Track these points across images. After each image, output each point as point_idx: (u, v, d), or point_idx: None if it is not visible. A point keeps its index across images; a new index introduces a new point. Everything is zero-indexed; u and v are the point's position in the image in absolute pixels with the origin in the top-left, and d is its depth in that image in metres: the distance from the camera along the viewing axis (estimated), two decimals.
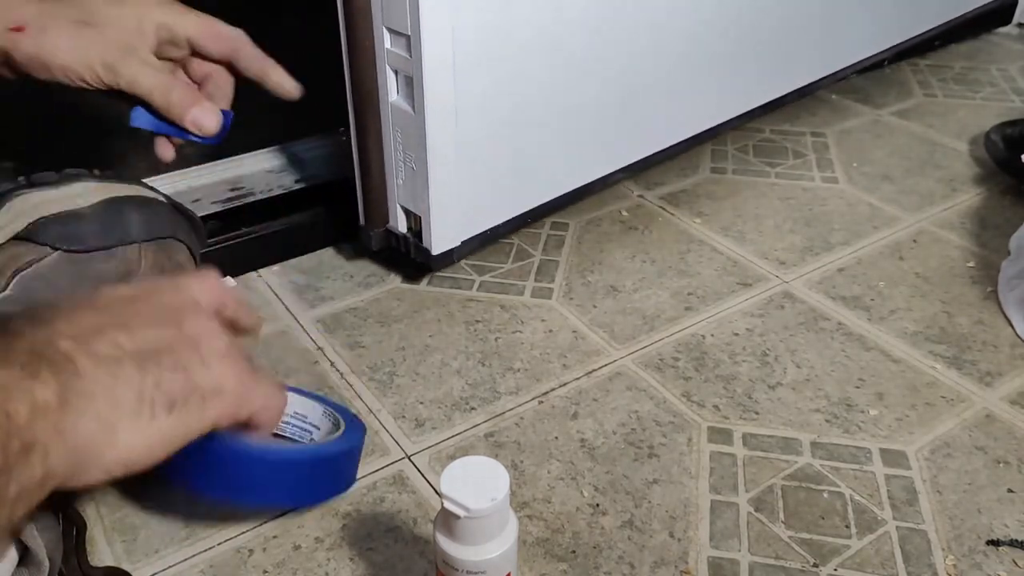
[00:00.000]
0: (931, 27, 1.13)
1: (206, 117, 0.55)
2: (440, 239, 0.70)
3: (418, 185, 0.68)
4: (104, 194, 0.55)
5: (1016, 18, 1.35)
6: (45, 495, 0.34)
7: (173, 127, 0.55)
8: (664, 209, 0.87)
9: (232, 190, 0.83)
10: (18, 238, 0.52)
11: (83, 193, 0.54)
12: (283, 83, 0.59)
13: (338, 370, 0.67)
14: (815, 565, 0.52)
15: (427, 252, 0.71)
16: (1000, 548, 0.53)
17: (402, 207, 0.71)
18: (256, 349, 0.68)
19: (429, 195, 0.67)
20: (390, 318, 0.72)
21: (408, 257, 0.73)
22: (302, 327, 0.71)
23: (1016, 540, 0.51)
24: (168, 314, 0.41)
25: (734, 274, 0.78)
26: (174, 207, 0.60)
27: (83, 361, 0.35)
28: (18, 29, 0.47)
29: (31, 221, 0.52)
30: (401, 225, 0.73)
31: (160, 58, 0.57)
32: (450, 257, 0.72)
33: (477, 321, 0.72)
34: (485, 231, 0.74)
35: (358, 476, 0.58)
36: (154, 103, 0.55)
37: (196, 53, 0.58)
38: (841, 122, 1.03)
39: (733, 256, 0.80)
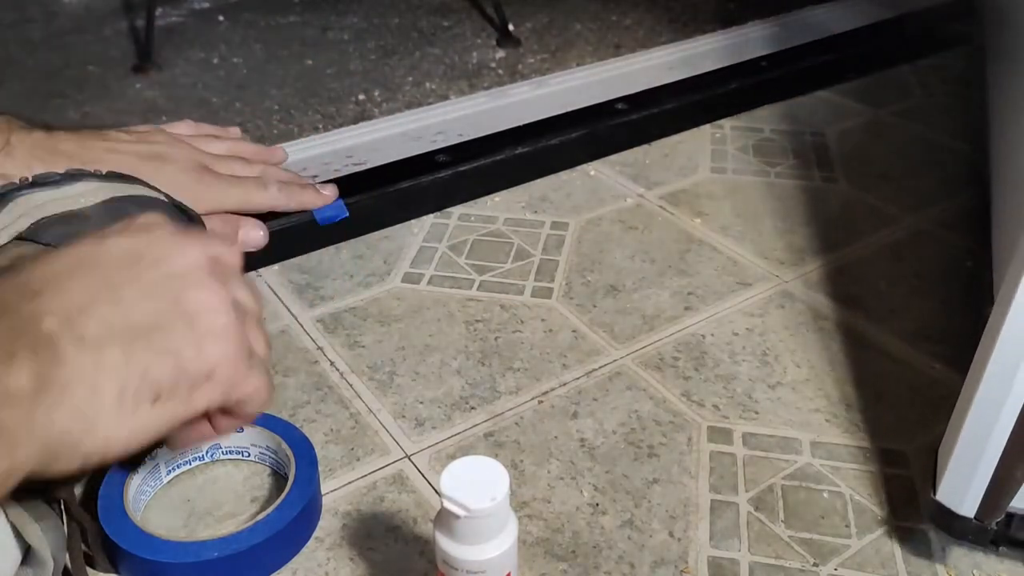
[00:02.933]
0: None
1: (251, 234, 0.65)
2: None
3: None
4: (106, 194, 0.55)
5: None
6: (13, 485, 0.31)
7: None
8: (664, 209, 0.87)
9: None
10: (20, 238, 0.52)
11: (85, 193, 0.54)
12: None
13: (338, 370, 0.67)
14: (815, 565, 0.52)
15: None
16: (1000, 549, 0.53)
17: None
18: None
19: None
20: (390, 318, 0.72)
21: None
22: (302, 327, 0.71)
23: (1017, 540, 0.51)
24: (168, 283, 0.37)
25: (734, 274, 0.78)
26: (175, 207, 0.60)
27: (66, 345, 0.32)
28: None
29: (33, 221, 0.52)
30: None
31: None
32: None
33: (477, 321, 0.72)
34: None
35: (358, 476, 0.58)
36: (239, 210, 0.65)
37: None
38: (841, 122, 1.03)
39: (733, 256, 0.80)
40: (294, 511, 0.51)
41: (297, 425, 0.60)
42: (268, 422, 0.57)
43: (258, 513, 0.53)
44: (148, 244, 0.39)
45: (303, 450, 0.55)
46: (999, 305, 0.44)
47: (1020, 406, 0.45)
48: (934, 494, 0.49)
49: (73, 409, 0.32)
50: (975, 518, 0.49)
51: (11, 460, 0.30)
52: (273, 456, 0.57)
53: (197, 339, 0.37)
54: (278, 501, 0.52)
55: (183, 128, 0.69)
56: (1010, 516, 0.49)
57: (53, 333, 0.32)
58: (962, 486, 0.48)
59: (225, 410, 0.41)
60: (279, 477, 0.57)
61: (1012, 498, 0.48)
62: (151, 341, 0.35)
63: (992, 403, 0.45)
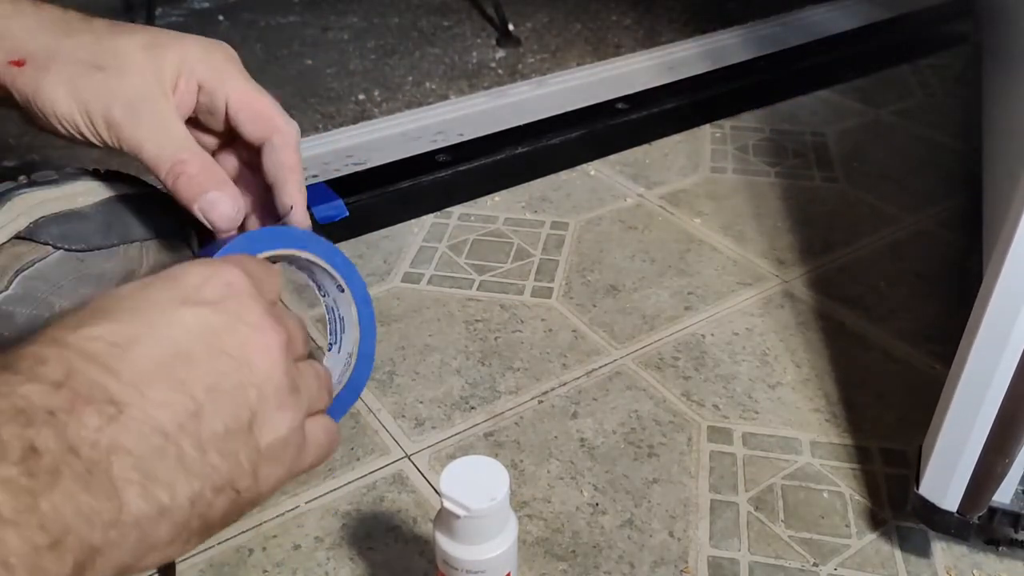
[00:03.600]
0: None
1: (218, 205, 0.44)
2: None
3: None
4: (105, 192, 0.55)
5: None
6: None
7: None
8: (664, 209, 0.87)
9: None
10: (19, 237, 0.52)
11: (84, 192, 0.54)
12: (298, 212, 0.48)
13: None
14: (815, 565, 0.52)
15: None
16: (1000, 549, 0.53)
17: None
18: None
19: None
20: (390, 317, 0.72)
21: None
22: None
23: (1017, 540, 0.51)
24: (246, 387, 0.33)
25: (734, 274, 0.78)
26: (176, 206, 0.60)
27: (132, 495, 0.28)
28: (18, 63, 0.40)
29: (32, 220, 0.52)
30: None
31: (203, 128, 0.46)
32: None
33: (477, 321, 0.72)
34: None
35: (358, 476, 0.58)
36: (159, 178, 0.44)
37: (230, 128, 0.46)
38: (841, 122, 1.03)
39: (733, 256, 0.80)
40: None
41: None
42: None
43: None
44: (228, 317, 0.34)
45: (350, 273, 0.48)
46: (980, 300, 0.45)
47: (999, 402, 0.45)
48: (917, 488, 0.50)
49: (119, 561, 0.29)
50: (957, 512, 0.49)
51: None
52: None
53: (255, 469, 0.33)
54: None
55: None
56: (993, 510, 0.49)
57: (120, 479, 0.28)
58: (944, 480, 0.49)
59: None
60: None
61: (993, 493, 0.48)
62: (214, 474, 0.32)
63: (972, 400, 0.46)
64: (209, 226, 0.45)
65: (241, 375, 0.33)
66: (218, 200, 0.44)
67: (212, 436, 0.32)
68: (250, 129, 0.45)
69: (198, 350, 0.33)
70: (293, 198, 0.47)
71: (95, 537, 0.27)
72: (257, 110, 0.45)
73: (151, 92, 0.43)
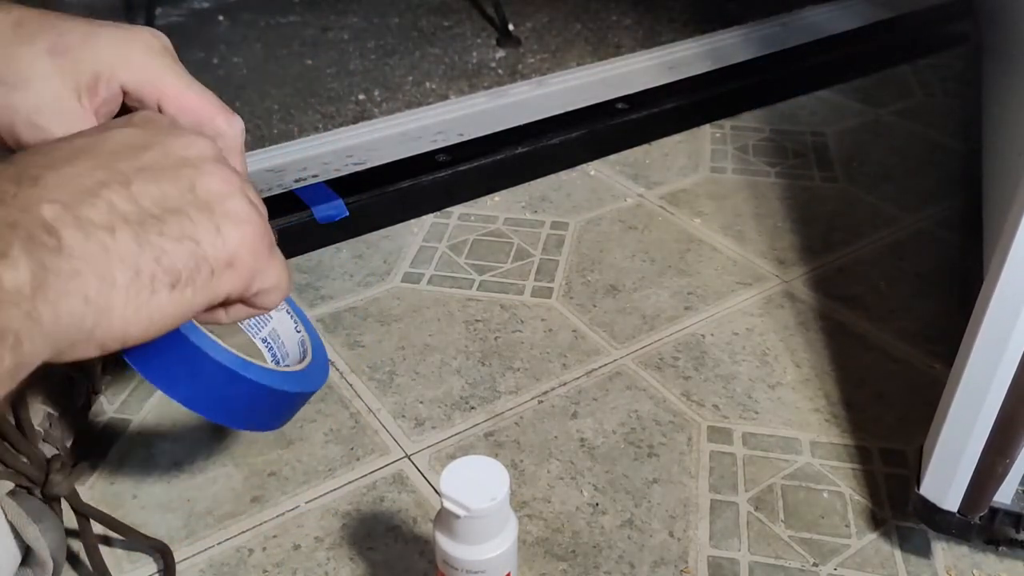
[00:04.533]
0: None
1: None
2: None
3: None
4: None
5: None
6: (17, 382, 0.29)
7: None
8: (664, 209, 0.87)
9: None
10: None
11: None
12: None
13: (338, 369, 0.67)
14: (815, 565, 0.52)
15: None
16: (1000, 549, 0.53)
17: None
18: None
19: None
20: (390, 317, 0.72)
21: None
22: None
23: (1017, 540, 0.51)
24: (181, 166, 0.35)
25: (734, 274, 0.78)
26: None
27: (69, 233, 0.30)
28: None
29: None
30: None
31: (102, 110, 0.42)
32: None
33: (477, 321, 0.72)
34: None
35: (358, 476, 0.58)
36: None
37: None
38: (841, 122, 1.03)
39: (733, 256, 0.80)
40: (300, 387, 0.48)
41: (298, 425, 0.60)
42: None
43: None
44: (155, 133, 0.35)
45: (318, 353, 0.53)
46: (980, 302, 0.45)
47: (1000, 403, 0.45)
48: (918, 488, 0.50)
49: (83, 298, 0.30)
50: (958, 512, 0.49)
51: (16, 357, 0.28)
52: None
53: (216, 225, 0.34)
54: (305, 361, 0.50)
55: None
56: (994, 511, 0.49)
57: (54, 220, 0.30)
58: (945, 481, 0.49)
59: (244, 299, 0.38)
60: (279, 478, 0.57)
61: (994, 493, 0.48)
62: (166, 226, 0.33)
63: (973, 400, 0.46)
64: None
65: (166, 155, 0.34)
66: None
67: (144, 194, 0.33)
68: (188, 120, 0.42)
69: (121, 151, 0.34)
70: None
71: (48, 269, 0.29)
72: (195, 114, 0.42)
73: (58, 103, 0.40)
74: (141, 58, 0.41)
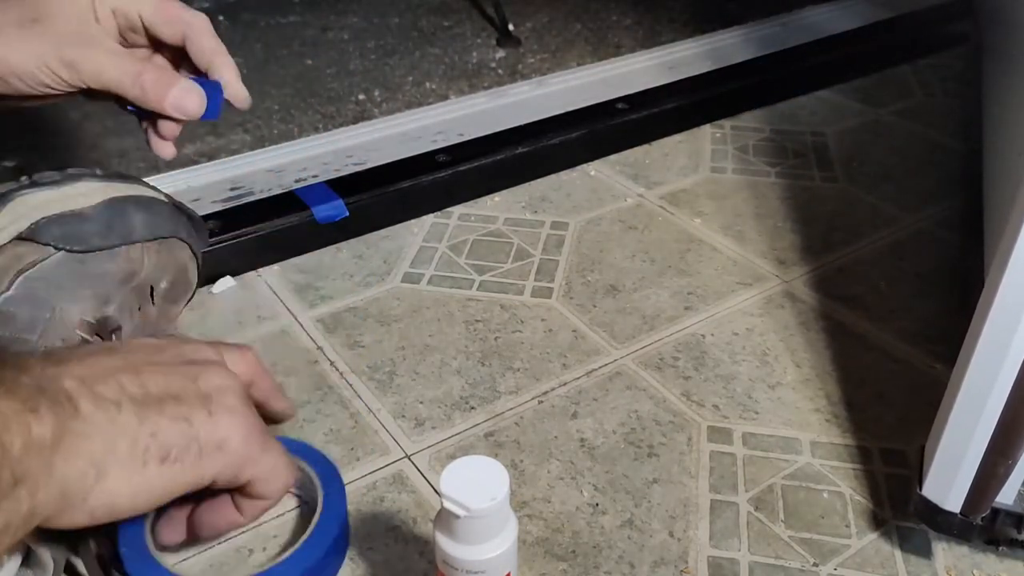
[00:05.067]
0: None
1: (187, 99, 0.51)
2: None
3: None
4: (106, 194, 0.55)
5: None
6: (28, 531, 0.34)
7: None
8: (664, 209, 0.87)
9: (232, 189, 0.84)
10: (20, 238, 0.52)
11: (85, 193, 0.54)
12: (232, 85, 0.53)
13: (338, 369, 0.67)
14: (815, 565, 0.52)
15: None
16: (1000, 549, 0.53)
17: None
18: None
19: None
20: (390, 317, 0.72)
21: None
22: (302, 326, 0.71)
23: (1018, 540, 0.51)
24: (186, 366, 0.41)
25: (734, 274, 0.78)
26: (175, 206, 0.60)
27: (84, 402, 0.35)
28: None
29: (33, 221, 0.52)
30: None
31: (128, 46, 0.52)
32: None
33: (477, 321, 0.72)
34: None
35: (358, 476, 0.58)
36: (126, 95, 0.50)
37: (152, 38, 0.53)
38: (841, 122, 1.03)
39: (733, 256, 0.80)
40: (327, 541, 0.49)
41: (298, 425, 0.60)
42: (290, 446, 0.53)
43: (286, 546, 0.51)
44: (171, 343, 0.42)
45: (329, 474, 0.53)
46: (983, 302, 0.45)
47: (1003, 403, 0.45)
48: (920, 489, 0.50)
49: (88, 459, 0.35)
50: (960, 513, 0.49)
51: (31, 504, 0.32)
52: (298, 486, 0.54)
53: (209, 411, 0.39)
54: (309, 530, 0.49)
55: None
56: (996, 511, 0.49)
57: (73, 391, 0.35)
58: (947, 481, 0.49)
59: (245, 492, 0.43)
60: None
61: (996, 494, 0.48)
62: (165, 407, 0.38)
63: (975, 401, 0.46)
64: (184, 117, 0.51)
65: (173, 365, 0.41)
66: (182, 94, 0.50)
67: (152, 381, 0.39)
68: (168, 32, 0.52)
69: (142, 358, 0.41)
70: (223, 73, 0.52)
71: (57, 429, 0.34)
72: (169, 14, 0.52)
73: (86, 27, 0.48)
74: None
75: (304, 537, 0.49)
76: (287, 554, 0.48)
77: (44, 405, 0.33)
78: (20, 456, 0.32)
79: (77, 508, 0.35)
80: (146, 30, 0.52)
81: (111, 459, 0.35)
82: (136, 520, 0.48)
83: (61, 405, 0.34)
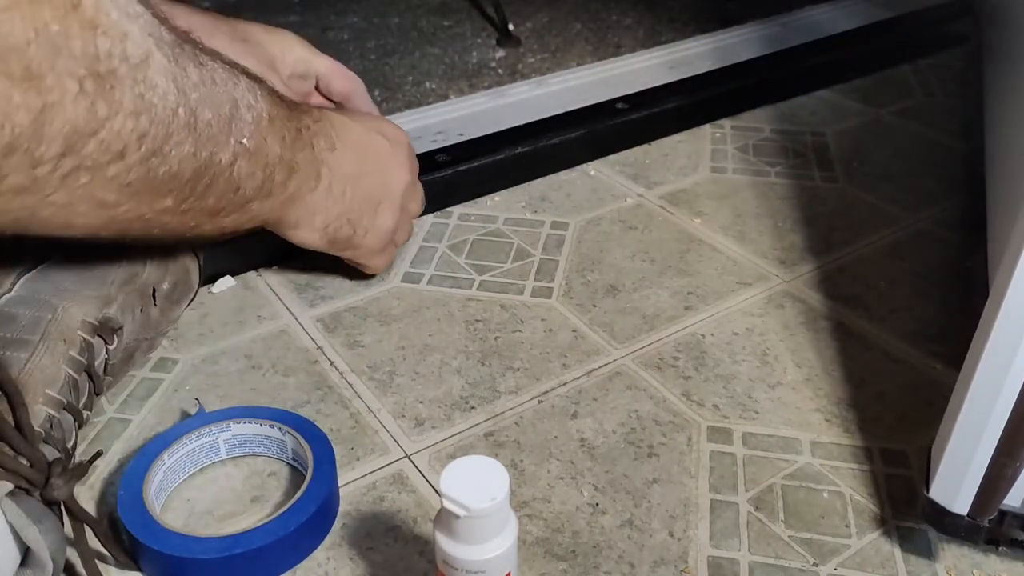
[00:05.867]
0: None
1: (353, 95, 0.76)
2: None
3: None
4: None
5: None
6: (252, 226, 0.57)
7: None
8: (664, 209, 0.87)
9: None
10: None
11: None
12: None
13: (338, 369, 0.67)
14: (815, 565, 0.52)
15: None
16: (1000, 549, 0.53)
17: None
18: (258, 348, 0.69)
19: None
20: (390, 317, 0.72)
21: None
22: (301, 326, 0.71)
23: (1018, 540, 0.51)
24: (384, 190, 0.68)
25: (734, 274, 0.78)
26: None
27: (325, 185, 0.62)
28: (185, 33, 0.50)
29: None
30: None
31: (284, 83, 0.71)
32: None
33: (477, 320, 0.72)
34: None
35: (358, 476, 0.58)
36: (335, 87, 0.74)
37: (319, 89, 0.74)
38: (841, 122, 1.03)
39: (733, 256, 0.80)
40: (316, 503, 0.52)
41: None
42: (284, 417, 0.58)
43: (272, 511, 0.53)
44: (393, 153, 0.69)
45: (320, 444, 0.56)
46: (991, 303, 0.44)
47: (1012, 405, 0.45)
48: (927, 491, 0.50)
49: (305, 204, 0.61)
50: (968, 515, 0.49)
51: (285, 192, 0.58)
52: (292, 452, 0.57)
53: (371, 227, 0.68)
54: (298, 494, 0.52)
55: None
56: (1003, 514, 0.49)
57: (323, 175, 0.61)
58: (955, 483, 0.49)
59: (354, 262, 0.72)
60: (279, 478, 0.57)
61: (1004, 496, 0.48)
62: (355, 218, 0.66)
63: (984, 401, 0.46)
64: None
65: (386, 179, 0.68)
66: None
67: (358, 194, 0.65)
68: (338, 88, 0.74)
69: (372, 156, 0.66)
70: None
71: (300, 179, 0.59)
72: (342, 73, 0.74)
73: (276, 62, 0.71)
74: (302, 45, 0.74)
75: (293, 499, 0.52)
76: (273, 516, 0.51)
77: (310, 171, 0.60)
78: (310, 158, 0.59)
79: (289, 223, 0.61)
80: (319, 82, 0.74)
81: (308, 213, 0.62)
82: (134, 484, 0.52)
83: (315, 175, 0.61)
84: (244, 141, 0.49)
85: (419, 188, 0.73)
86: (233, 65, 0.50)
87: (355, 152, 0.63)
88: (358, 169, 0.64)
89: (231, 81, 0.49)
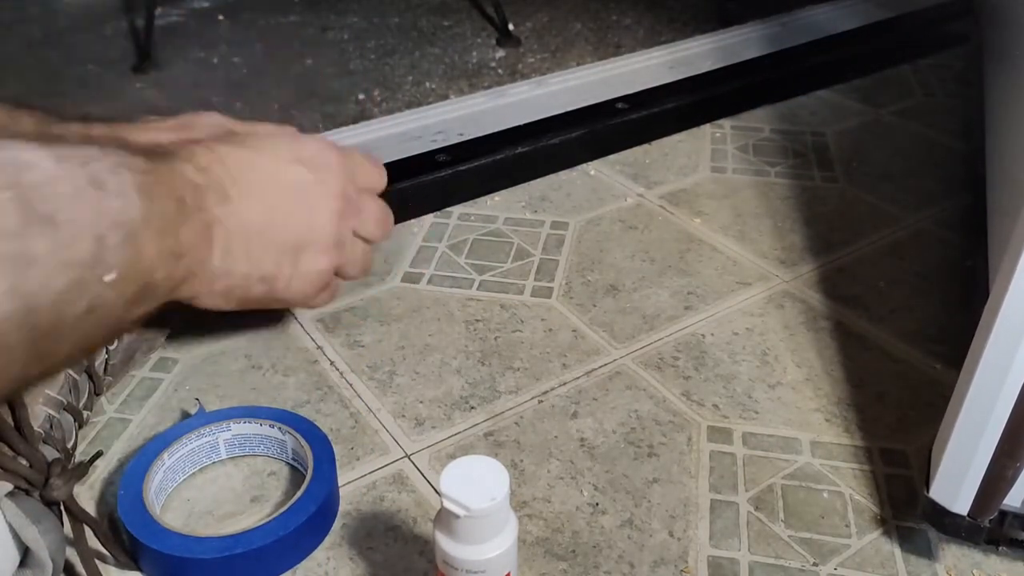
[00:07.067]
0: None
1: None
2: None
3: None
4: None
5: None
6: (162, 301, 0.44)
7: None
8: (664, 208, 0.87)
9: None
10: None
11: None
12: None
13: (338, 369, 0.67)
14: (815, 564, 0.52)
15: None
16: (1000, 549, 0.53)
17: None
18: (256, 349, 0.69)
19: None
20: (390, 317, 0.72)
21: None
22: (301, 326, 0.71)
23: (1018, 540, 0.51)
24: (336, 232, 0.57)
25: (734, 273, 0.78)
26: None
27: (221, 254, 0.49)
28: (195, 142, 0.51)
29: None
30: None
31: None
32: None
33: (477, 320, 0.72)
34: None
35: (358, 475, 0.58)
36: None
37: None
38: (841, 122, 1.03)
39: (733, 256, 0.80)
40: (316, 503, 0.52)
41: None
42: (284, 417, 0.58)
43: (272, 511, 0.53)
44: (317, 182, 0.56)
45: (320, 444, 0.56)
46: (991, 303, 0.44)
47: (1012, 405, 0.45)
48: (927, 491, 0.50)
49: (198, 279, 0.47)
50: (968, 515, 0.49)
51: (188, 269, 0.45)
52: (292, 451, 0.58)
53: (295, 275, 0.55)
54: (298, 494, 0.52)
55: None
56: (1003, 514, 0.49)
57: (216, 239, 0.48)
58: (955, 484, 0.49)
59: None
60: (279, 478, 0.57)
61: (1004, 496, 0.48)
62: (268, 274, 0.53)
63: (985, 402, 0.46)
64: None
65: (310, 219, 0.55)
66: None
67: (270, 246, 0.53)
68: (370, 182, 0.63)
69: (285, 195, 0.53)
70: None
71: (189, 259, 0.45)
72: (373, 163, 0.64)
73: None
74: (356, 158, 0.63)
75: (294, 499, 0.52)
76: (273, 516, 0.51)
77: (204, 241, 0.47)
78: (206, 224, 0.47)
79: (187, 287, 0.47)
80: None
81: (208, 287, 0.50)
82: (134, 484, 0.52)
83: (205, 246, 0.48)
84: (109, 278, 0.37)
85: (373, 209, 0.61)
86: (86, 142, 0.39)
87: (259, 197, 0.51)
88: (264, 218, 0.51)
89: (89, 189, 0.37)
